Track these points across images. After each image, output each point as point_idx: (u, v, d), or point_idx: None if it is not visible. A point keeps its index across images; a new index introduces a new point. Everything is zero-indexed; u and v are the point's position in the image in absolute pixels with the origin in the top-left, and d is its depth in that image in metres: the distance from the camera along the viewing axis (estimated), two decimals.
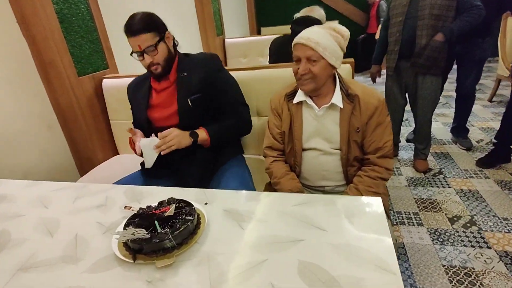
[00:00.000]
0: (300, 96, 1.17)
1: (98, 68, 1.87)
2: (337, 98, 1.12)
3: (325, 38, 1.06)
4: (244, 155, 1.57)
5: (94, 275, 0.72)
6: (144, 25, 1.17)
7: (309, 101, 1.16)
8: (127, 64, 2.16)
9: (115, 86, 1.84)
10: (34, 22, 1.53)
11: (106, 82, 1.85)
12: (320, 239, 0.75)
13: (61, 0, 1.60)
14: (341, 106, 1.12)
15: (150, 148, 1.19)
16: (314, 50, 1.06)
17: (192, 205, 0.84)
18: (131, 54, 1.25)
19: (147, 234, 0.73)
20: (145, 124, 1.34)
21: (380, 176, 1.13)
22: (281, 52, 1.96)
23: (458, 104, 2.65)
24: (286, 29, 2.02)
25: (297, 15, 1.95)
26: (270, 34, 3.48)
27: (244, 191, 1.00)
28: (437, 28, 1.91)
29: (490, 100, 3.67)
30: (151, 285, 0.67)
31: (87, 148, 1.85)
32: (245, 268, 0.69)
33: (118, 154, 2.00)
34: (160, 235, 0.72)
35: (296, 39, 1.10)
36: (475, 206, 1.90)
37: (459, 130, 2.71)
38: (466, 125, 2.69)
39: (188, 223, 0.76)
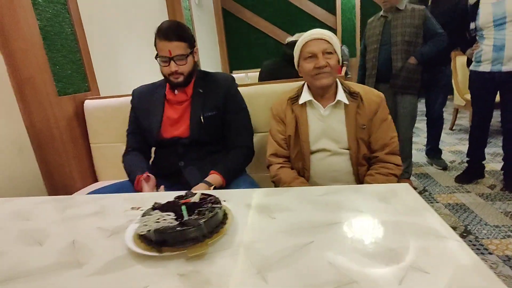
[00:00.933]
0: (305, 97, 1.17)
1: (79, 90, 1.76)
2: (341, 95, 1.14)
3: (332, 35, 1.11)
4: None
5: (106, 276, 0.58)
6: (181, 33, 1.17)
7: (314, 101, 1.16)
8: (109, 87, 2.09)
9: (98, 107, 1.73)
10: (15, 36, 1.44)
11: (88, 103, 1.74)
12: (363, 219, 0.69)
13: (45, 18, 1.54)
14: (347, 102, 1.13)
15: None
16: (329, 43, 1.10)
17: (215, 196, 0.75)
18: (155, 58, 1.22)
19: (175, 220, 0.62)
20: (154, 135, 1.27)
21: (392, 172, 1.11)
22: (272, 74, 2.01)
23: (430, 127, 2.84)
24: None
25: (290, 39, 2.05)
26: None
27: (261, 188, 0.93)
28: (409, 53, 2.11)
29: (451, 129, 4.00)
30: (185, 279, 0.55)
31: (63, 175, 1.66)
32: (292, 250, 0.60)
33: (97, 181, 1.81)
34: (190, 221, 0.62)
35: (308, 36, 1.12)
36: (465, 217, 1.94)
37: (434, 151, 2.86)
38: (439, 147, 2.86)
39: (217, 210, 0.67)
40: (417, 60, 2.10)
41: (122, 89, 2.30)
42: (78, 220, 0.83)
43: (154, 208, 0.70)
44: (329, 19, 5.75)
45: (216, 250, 0.63)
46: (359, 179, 1.16)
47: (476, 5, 1.97)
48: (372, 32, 2.26)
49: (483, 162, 2.39)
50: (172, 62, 1.18)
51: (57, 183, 1.67)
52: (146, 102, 1.33)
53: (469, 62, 2.24)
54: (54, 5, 1.58)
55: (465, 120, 4.26)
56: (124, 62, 2.43)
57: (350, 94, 1.15)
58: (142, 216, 0.66)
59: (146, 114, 1.32)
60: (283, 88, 1.54)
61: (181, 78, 1.22)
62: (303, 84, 1.22)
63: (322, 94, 1.17)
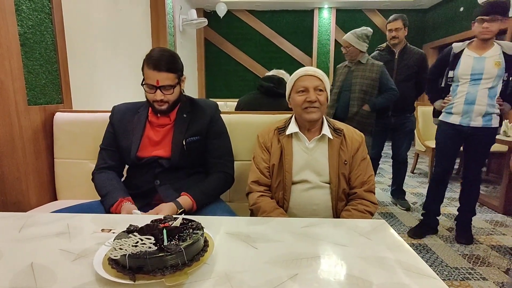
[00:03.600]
0: (292, 128, 1.20)
1: (51, 101, 1.67)
2: (327, 130, 1.18)
3: (324, 74, 1.19)
4: None
5: None
6: (171, 65, 1.17)
7: (301, 133, 1.20)
8: (83, 102, 2.01)
9: (69, 121, 1.64)
10: None
11: (59, 116, 1.65)
12: (347, 254, 0.69)
13: (26, 25, 1.49)
14: (331, 137, 1.17)
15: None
16: (321, 80, 1.16)
17: (196, 221, 0.72)
18: (142, 84, 1.20)
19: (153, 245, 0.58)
20: (131, 155, 1.23)
21: (368, 209, 1.14)
22: (250, 105, 2.06)
23: (395, 169, 3.00)
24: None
25: (267, 74, 2.15)
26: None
27: (241, 217, 0.91)
28: (364, 100, 2.40)
29: (412, 172, 4.25)
30: None
31: (17, 190, 1.51)
32: (277, 283, 0.58)
33: (57, 199, 1.67)
34: (171, 247, 0.58)
35: (303, 72, 1.18)
36: (428, 257, 2.00)
37: (398, 192, 3.00)
38: (403, 188, 3.01)
39: (200, 236, 0.64)
40: (370, 108, 2.41)
41: (97, 106, 2.22)
42: (38, 241, 0.74)
43: (129, 231, 0.65)
44: (305, 60, 6.11)
45: (196, 279, 0.59)
46: (337, 214, 1.18)
47: (459, 55, 2.02)
48: (337, 78, 2.56)
49: (438, 217, 2.34)
50: (158, 91, 1.16)
51: (9, 198, 1.51)
52: (126, 121, 1.29)
53: (435, 113, 2.28)
54: (38, 13, 1.54)
55: (424, 165, 4.56)
56: (102, 80, 2.37)
57: (334, 130, 1.20)
58: (116, 239, 0.61)
59: (125, 133, 1.27)
60: (263, 118, 1.58)
61: (165, 106, 1.21)
62: (291, 116, 1.26)
63: (309, 127, 1.21)
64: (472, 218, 2.27)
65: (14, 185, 1.51)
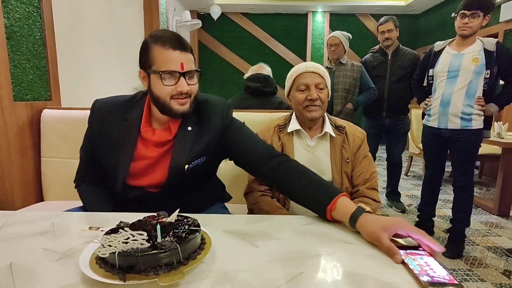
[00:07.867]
0: (293, 125, 1.16)
1: (38, 98, 1.61)
2: (329, 128, 1.15)
3: (325, 70, 1.15)
4: None
5: None
6: (189, 45, 0.89)
7: (303, 130, 1.16)
8: (73, 100, 1.95)
9: (57, 118, 1.57)
10: None
11: (46, 113, 1.58)
12: (353, 251, 0.65)
13: (13, 17, 1.43)
14: (334, 135, 1.13)
15: None
16: (322, 77, 1.12)
17: (192, 217, 0.66)
18: (159, 73, 0.84)
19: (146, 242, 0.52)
20: (118, 183, 0.93)
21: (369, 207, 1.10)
22: (238, 106, 2.01)
23: (390, 171, 2.98)
24: None
25: (247, 74, 2.10)
26: None
27: (240, 215, 0.86)
28: (347, 99, 2.56)
29: (406, 174, 4.25)
30: None
31: (0, 190, 1.44)
32: (281, 282, 0.53)
33: (43, 200, 1.59)
34: (165, 244, 0.53)
35: (303, 68, 1.13)
36: None
37: (393, 194, 2.99)
38: (398, 190, 3.00)
39: (197, 233, 0.59)
40: (353, 106, 2.54)
41: (86, 105, 2.15)
42: (19, 240, 0.68)
43: (120, 227, 0.60)
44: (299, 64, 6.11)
45: (193, 279, 0.54)
46: None
47: (439, 53, 1.97)
48: None
49: (433, 219, 2.34)
50: (182, 79, 0.85)
51: None
52: (108, 127, 0.95)
53: (423, 115, 2.23)
54: (26, 6, 1.48)
55: (418, 167, 4.58)
56: (92, 78, 2.31)
57: (336, 127, 1.16)
58: (105, 235, 0.56)
59: (109, 148, 0.94)
60: (259, 117, 1.53)
61: (187, 105, 0.89)
62: (291, 113, 1.22)
63: (310, 125, 1.17)
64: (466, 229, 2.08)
65: None
